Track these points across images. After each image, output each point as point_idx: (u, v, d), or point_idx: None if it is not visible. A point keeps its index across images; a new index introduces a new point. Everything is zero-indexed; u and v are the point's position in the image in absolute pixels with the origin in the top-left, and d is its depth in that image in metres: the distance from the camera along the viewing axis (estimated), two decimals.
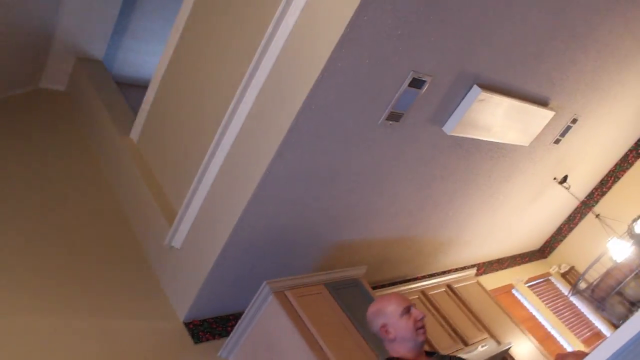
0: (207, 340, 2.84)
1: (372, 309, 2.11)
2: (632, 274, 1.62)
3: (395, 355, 2.02)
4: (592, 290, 1.70)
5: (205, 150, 2.67)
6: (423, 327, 2.04)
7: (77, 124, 3.79)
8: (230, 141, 2.52)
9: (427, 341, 2.85)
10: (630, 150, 5.68)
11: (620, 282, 1.62)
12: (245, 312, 2.63)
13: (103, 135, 3.58)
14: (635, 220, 1.70)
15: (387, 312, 2.04)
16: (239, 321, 2.67)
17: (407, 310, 2.03)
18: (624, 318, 1.65)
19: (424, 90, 2.52)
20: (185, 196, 2.76)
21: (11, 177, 3.07)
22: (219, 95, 2.79)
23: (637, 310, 1.46)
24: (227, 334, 2.87)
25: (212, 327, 2.91)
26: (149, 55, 4.62)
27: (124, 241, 3.11)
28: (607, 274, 1.67)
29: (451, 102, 2.77)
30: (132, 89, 4.34)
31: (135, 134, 3.43)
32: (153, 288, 2.95)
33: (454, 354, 3.03)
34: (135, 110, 3.51)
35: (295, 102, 2.18)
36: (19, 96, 3.71)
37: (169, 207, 3.06)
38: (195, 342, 2.78)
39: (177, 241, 2.85)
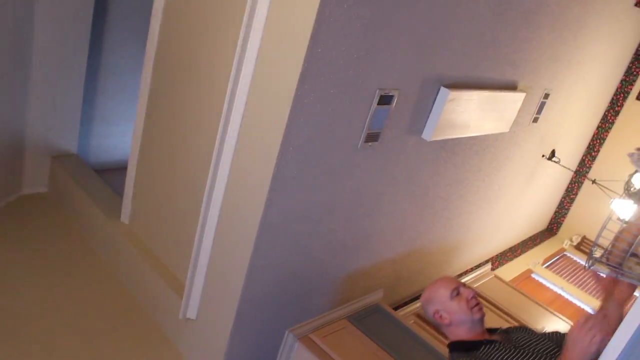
0: None
1: (422, 298, 2.07)
2: None
3: (453, 339, 1.97)
4: (607, 258, 1.67)
5: (198, 216, 2.66)
6: (477, 304, 1.98)
7: (67, 220, 3.77)
8: (218, 202, 2.51)
9: None
10: (607, 111, 5.73)
11: (632, 244, 1.60)
12: None
13: (94, 225, 3.57)
14: (627, 182, 1.70)
15: (436, 297, 2.00)
16: None
17: (456, 292, 1.98)
18: None
19: (394, 105, 2.54)
20: (188, 266, 2.74)
21: (14, 284, 3.05)
22: (197, 159, 2.79)
23: None
24: None
25: None
26: (121, 137, 4.63)
27: (139, 323, 3.08)
28: (617, 238, 1.65)
29: (423, 109, 2.79)
30: (113, 173, 4.34)
31: (125, 216, 3.42)
32: None
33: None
34: (120, 193, 3.50)
35: (272, 147, 2.19)
36: (4, 207, 3.70)
37: (175, 280, 3.03)
38: None
39: (192, 312, 2.81)
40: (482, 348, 1.89)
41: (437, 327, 2.07)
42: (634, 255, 1.65)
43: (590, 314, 1.64)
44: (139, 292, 3.22)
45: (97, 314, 3.05)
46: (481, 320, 1.99)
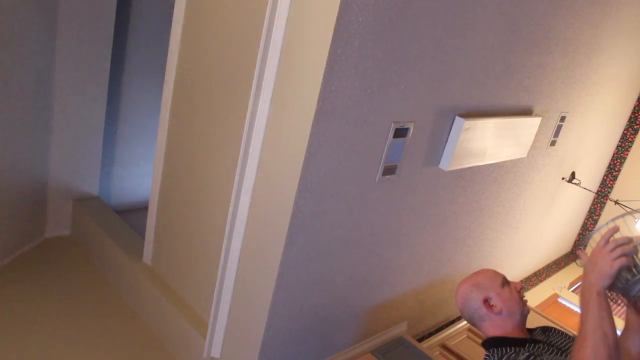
0: None
1: (465, 286, 1.92)
2: None
3: (497, 334, 1.81)
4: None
5: (219, 255, 2.67)
6: (524, 297, 1.87)
7: (89, 262, 3.81)
8: (239, 241, 2.53)
9: None
10: (626, 129, 5.68)
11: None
12: None
13: (117, 266, 3.60)
14: None
15: (487, 283, 1.86)
16: None
17: (506, 280, 1.88)
18: None
19: (410, 137, 2.55)
20: (211, 305, 2.75)
21: (40, 331, 3.07)
22: (217, 198, 2.82)
23: None
24: None
25: None
26: (141, 178, 4.70)
27: None
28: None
29: (439, 139, 2.79)
30: (134, 214, 4.40)
31: (147, 257, 3.44)
32: None
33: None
34: (142, 233, 3.54)
35: (290, 187, 2.21)
36: (29, 251, 3.76)
37: (198, 319, 3.04)
38: None
39: (216, 351, 2.81)
40: (527, 346, 1.76)
41: (474, 322, 1.88)
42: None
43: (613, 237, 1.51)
44: (163, 332, 3.23)
45: (120, 355, 3.06)
46: (527, 315, 1.87)
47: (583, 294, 1.51)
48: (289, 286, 2.45)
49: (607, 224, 1.65)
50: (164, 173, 3.19)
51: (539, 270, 5.40)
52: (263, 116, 2.29)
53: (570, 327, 4.06)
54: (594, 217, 6.01)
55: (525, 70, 3.18)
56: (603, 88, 4.45)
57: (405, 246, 3.05)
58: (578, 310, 4.93)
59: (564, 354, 1.76)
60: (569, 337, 1.89)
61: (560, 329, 1.97)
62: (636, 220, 3.89)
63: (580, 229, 6.12)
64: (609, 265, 1.48)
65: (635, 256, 1.51)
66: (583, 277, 1.54)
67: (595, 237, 1.64)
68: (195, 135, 2.92)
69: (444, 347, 3.32)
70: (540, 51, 3.22)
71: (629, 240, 1.50)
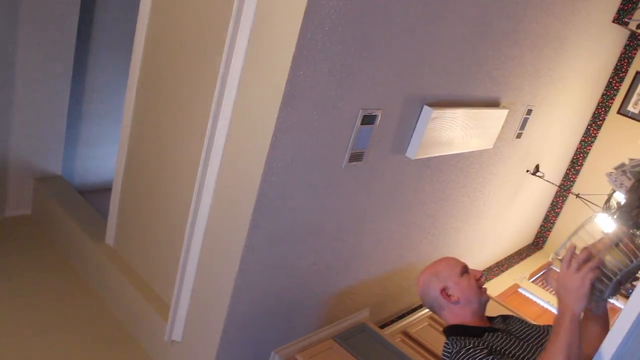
0: None
1: (425, 275, 1.95)
2: (607, 248, 1.59)
3: (456, 322, 1.84)
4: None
5: (183, 237, 2.65)
6: (483, 286, 1.89)
7: (50, 242, 3.74)
8: (203, 224, 2.50)
9: None
10: (589, 125, 5.78)
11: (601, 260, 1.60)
12: None
13: (79, 247, 3.54)
14: (607, 200, 1.73)
15: (445, 272, 1.90)
16: None
17: (465, 269, 1.90)
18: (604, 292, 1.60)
19: (377, 124, 2.56)
20: (173, 288, 2.72)
21: None
22: (182, 181, 2.79)
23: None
24: None
25: None
26: (105, 158, 4.61)
27: (124, 346, 3.05)
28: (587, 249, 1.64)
29: (407, 128, 2.80)
30: (98, 194, 4.32)
31: (110, 238, 3.39)
32: None
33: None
34: (105, 215, 3.48)
35: (256, 170, 2.19)
36: None
37: (160, 302, 3.01)
38: None
39: (177, 334, 2.79)
40: (485, 335, 1.78)
41: (435, 309, 1.92)
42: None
43: (575, 255, 1.52)
44: (124, 315, 3.19)
45: (81, 337, 3.02)
46: (486, 304, 1.89)
47: (558, 316, 1.52)
48: (252, 270, 2.44)
49: (575, 233, 1.67)
50: (128, 154, 3.14)
51: (501, 261, 5.49)
52: (230, 98, 2.26)
53: (529, 316, 4.14)
54: (556, 210, 6.12)
55: (494, 61, 3.21)
56: (569, 83, 4.52)
57: (370, 233, 3.07)
58: (537, 300, 5.04)
59: (523, 342, 1.78)
60: (528, 324, 1.91)
61: (517, 315, 1.99)
62: (595, 215, 3.97)
63: (542, 221, 6.23)
64: (580, 285, 1.49)
65: (601, 267, 1.53)
66: (558, 302, 1.55)
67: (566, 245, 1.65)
68: (162, 116, 2.88)
69: (406, 334, 3.35)
70: (510, 43, 3.25)
71: (589, 255, 1.51)
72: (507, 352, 1.70)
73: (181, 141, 2.79)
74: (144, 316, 3.01)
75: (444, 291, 1.87)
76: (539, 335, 1.83)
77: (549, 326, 1.77)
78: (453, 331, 1.82)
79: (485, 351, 1.66)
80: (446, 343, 1.78)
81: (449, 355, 1.74)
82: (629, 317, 1.36)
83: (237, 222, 2.33)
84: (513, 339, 1.78)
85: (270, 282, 2.60)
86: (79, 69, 4.11)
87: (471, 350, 1.67)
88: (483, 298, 1.86)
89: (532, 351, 1.72)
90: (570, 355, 1.45)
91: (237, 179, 2.31)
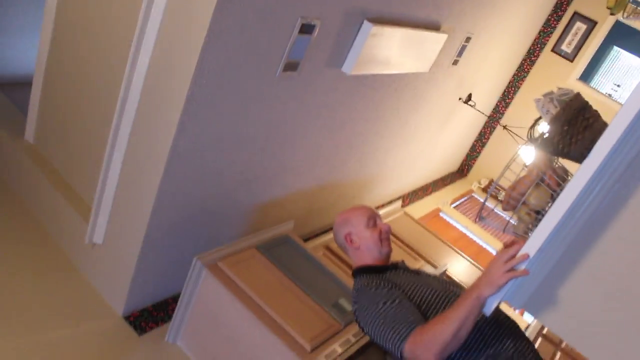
0: (151, 329, 2.78)
1: (338, 219, 2.15)
2: (533, 184, 1.68)
3: (360, 264, 2.05)
4: (503, 207, 1.75)
5: (107, 137, 2.55)
6: (388, 239, 2.08)
7: None
8: (129, 123, 2.41)
9: None
10: (524, 60, 5.89)
11: (524, 194, 1.68)
12: (182, 292, 2.59)
13: None
14: (532, 126, 1.78)
15: (353, 221, 2.08)
16: (178, 303, 2.63)
17: (373, 221, 2.07)
18: (530, 228, 1.71)
19: (315, 35, 2.49)
20: (96, 189, 2.65)
21: None
22: (108, 78, 2.66)
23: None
24: (170, 318, 2.82)
25: (153, 315, 2.85)
26: (27, 49, 4.33)
27: (43, 248, 2.97)
28: (512, 186, 1.72)
29: (345, 42, 2.75)
30: (16, 88, 4.07)
31: (29, 134, 3.24)
32: (85, 289, 2.84)
33: None
34: (24, 110, 3.30)
35: (186, 71, 2.11)
36: None
37: (81, 203, 2.93)
38: (140, 334, 2.72)
39: (98, 237, 2.74)
40: (388, 273, 1.98)
41: (343, 250, 2.14)
42: (525, 204, 1.73)
43: (515, 245, 1.61)
44: (44, 216, 3.10)
45: None
46: (388, 255, 2.08)
47: (469, 290, 1.64)
48: (178, 175, 2.40)
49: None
50: (52, 44, 2.95)
51: (426, 185, 5.64)
52: None
53: (447, 239, 4.31)
54: (483, 140, 6.30)
55: None
56: (510, 16, 4.54)
57: (300, 147, 3.06)
58: (457, 225, 5.25)
59: (426, 278, 2.01)
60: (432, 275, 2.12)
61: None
62: (519, 148, 4.08)
63: (469, 150, 6.40)
64: (498, 277, 1.57)
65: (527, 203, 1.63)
66: (478, 277, 1.65)
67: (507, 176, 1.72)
68: (89, 6, 2.71)
69: (328, 248, 3.42)
70: None
71: (524, 258, 1.56)
72: (407, 287, 1.88)
73: (110, 33, 2.64)
74: (65, 217, 2.93)
75: (348, 236, 2.08)
76: (443, 286, 1.96)
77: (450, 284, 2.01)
78: (359, 271, 2.03)
79: (388, 285, 1.85)
80: (354, 283, 1.98)
81: (356, 291, 1.94)
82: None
83: (164, 124, 2.25)
84: (416, 275, 2.01)
85: (196, 188, 2.57)
86: None
87: (374, 284, 1.87)
88: (383, 250, 2.05)
89: (429, 290, 1.88)
90: (462, 327, 1.60)
91: (167, 79, 2.22)
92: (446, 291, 1.89)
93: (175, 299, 2.91)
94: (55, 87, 3.01)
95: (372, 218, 2.08)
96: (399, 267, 2.06)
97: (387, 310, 1.77)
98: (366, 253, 2.04)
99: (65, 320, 2.61)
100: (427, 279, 2.01)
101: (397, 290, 1.85)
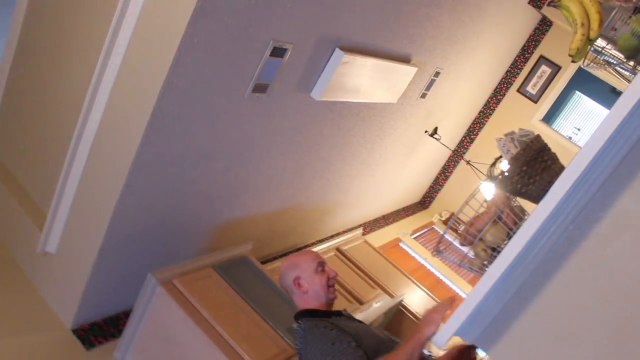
0: (100, 343, 2.71)
1: (285, 262, 2.15)
2: (490, 221, 1.71)
3: (305, 307, 2.06)
4: (461, 242, 1.79)
5: (68, 144, 2.51)
6: (334, 285, 2.11)
7: None
8: (92, 132, 2.37)
9: None
10: (490, 98, 6.02)
11: (481, 230, 1.71)
12: (134, 307, 2.54)
13: None
14: (492, 164, 1.81)
15: (302, 266, 2.09)
16: (130, 318, 2.57)
17: (321, 267, 2.09)
18: (486, 265, 1.75)
19: (286, 59, 2.51)
20: (53, 197, 2.59)
21: None
22: (75, 83, 2.62)
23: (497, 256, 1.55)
24: (120, 333, 2.75)
25: (102, 329, 2.78)
26: None
27: None
28: (471, 222, 1.76)
29: (316, 67, 2.78)
30: None
31: None
32: (33, 299, 2.76)
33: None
34: None
35: (155, 83, 2.09)
36: None
37: (36, 210, 2.86)
38: (87, 348, 2.65)
39: (51, 246, 2.67)
40: (332, 317, 2.02)
41: (288, 293, 2.15)
42: (482, 240, 1.75)
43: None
44: None
45: None
46: (332, 301, 2.12)
47: (414, 329, 1.79)
48: (138, 188, 2.37)
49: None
50: (19, 42, 2.89)
51: (388, 214, 5.68)
52: (137, 6, 2.12)
53: (405, 269, 4.33)
54: (446, 174, 6.39)
55: (413, 18, 3.22)
56: (479, 54, 4.65)
57: (264, 168, 3.05)
58: (415, 256, 5.28)
59: (367, 328, 2.07)
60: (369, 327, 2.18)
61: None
62: (480, 184, 4.14)
63: (432, 182, 6.48)
64: (435, 324, 1.75)
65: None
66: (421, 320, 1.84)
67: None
68: (58, 16, 2.68)
69: None
70: (431, 3, 3.27)
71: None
72: (353, 334, 1.92)
73: (78, 42, 2.61)
74: (18, 224, 2.86)
75: (296, 280, 2.08)
76: (378, 335, 2.07)
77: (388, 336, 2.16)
78: (303, 314, 2.04)
79: (335, 329, 1.90)
80: (297, 326, 2.00)
81: (303, 330, 1.95)
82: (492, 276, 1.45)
83: (128, 135, 2.23)
84: (357, 323, 2.09)
85: (156, 203, 2.54)
86: None
87: (321, 327, 1.90)
88: (330, 296, 2.08)
89: (370, 335, 1.98)
90: None
91: (134, 92, 2.20)
92: (385, 339, 2.01)
93: (127, 314, 2.84)
94: (15, 91, 2.96)
95: (321, 264, 2.11)
96: (342, 314, 2.12)
97: (337, 350, 1.82)
98: (313, 298, 2.06)
99: (9, 331, 2.53)
100: (368, 327, 2.08)
101: (346, 334, 1.89)
